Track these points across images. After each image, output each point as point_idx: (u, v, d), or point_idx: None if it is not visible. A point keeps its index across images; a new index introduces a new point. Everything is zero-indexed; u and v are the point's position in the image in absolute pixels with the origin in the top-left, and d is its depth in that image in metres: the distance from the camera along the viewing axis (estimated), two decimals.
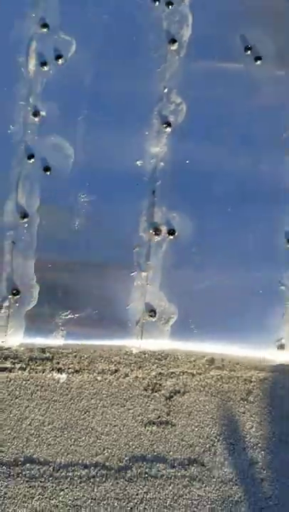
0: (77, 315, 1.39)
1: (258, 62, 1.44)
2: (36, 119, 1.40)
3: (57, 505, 1.69)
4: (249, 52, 1.44)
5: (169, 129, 1.43)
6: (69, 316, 1.40)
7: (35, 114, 1.40)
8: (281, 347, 1.48)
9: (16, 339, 1.37)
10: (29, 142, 1.39)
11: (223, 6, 1.45)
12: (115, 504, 1.70)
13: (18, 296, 1.36)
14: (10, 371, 1.79)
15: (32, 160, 1.39)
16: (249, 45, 1.44)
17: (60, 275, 1.40)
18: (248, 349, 1.47)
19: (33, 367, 1.79)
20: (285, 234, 1.46)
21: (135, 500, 1.74)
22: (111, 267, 1.41)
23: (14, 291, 1.36)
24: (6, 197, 1.40)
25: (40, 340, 1.40)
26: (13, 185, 1.40)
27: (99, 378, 1.78)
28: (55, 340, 1.40)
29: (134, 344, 1.45)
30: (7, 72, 1.38)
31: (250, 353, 1.49)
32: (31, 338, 1.39)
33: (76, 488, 1.70)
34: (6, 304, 1.37)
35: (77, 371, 1.78)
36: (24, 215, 1.37)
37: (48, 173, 1.39)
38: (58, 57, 1.40)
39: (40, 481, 1.71)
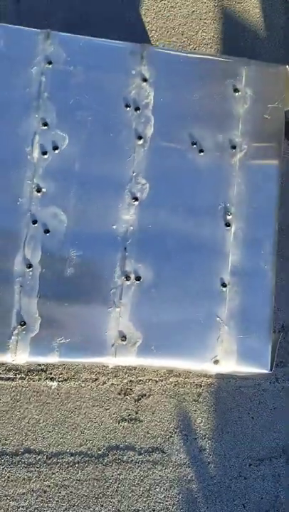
0: (68, 340, 1.66)
1: (201, 153, 1.80)
2: (39, 194, 1.70)
3: (49, 486, 1.96)
4: (195, 146, 1.79)
5: (136, 202, 1.75)
6: (62, 340, 1.66)
7: (38, 190, 1.69)
8: (216, 362, 1.75)
9: (22, 358, 1.65)
10: (33, 211, 1.69)
11: (176, 110, 1.80)
12: (95, 484, 1.99)
13: (24, 326, 1.65)
14: (12, 380, 2.00)
15: (36, 224, 1.68)
16: (195, 140, 1.80)
17: (56, 311, 1.67)
18: (192, 363, 1.74)
19: (30, 376, 2.00)
20: (220, 280, 1.77)
21: (110, 481, 2.01)
22: (94, 304, 1.69)
23: (22, 323, 1.65)
24: (16, 252, 1.66)
25: (41, 359, 1.66)
26: (21, 243, 1.67)
27: (83, 385, 2.03)
28: (52, 359, 1.66)
29: (110, 361, 1.70)
30: (17, 159, 1.69)
31: (193, 367, 1.76)
32: (34, 357, 1.66)
33: (64, 471, 1.98)
34: (16, 332, 1.64)
35: (65, 379, 2.03)
36: (29, 266, 1.67)
37: (48, 234, 1.69)
38: (55, 148, 1.71)
39: (36, 467, 1.97)
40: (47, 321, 1.68)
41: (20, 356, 1.67)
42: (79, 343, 1.69)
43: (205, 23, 2.27)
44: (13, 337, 1.66)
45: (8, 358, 1.66)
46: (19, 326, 1.67)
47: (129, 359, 1.72)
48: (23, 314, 1.67)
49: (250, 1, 2.30)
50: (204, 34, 2.27)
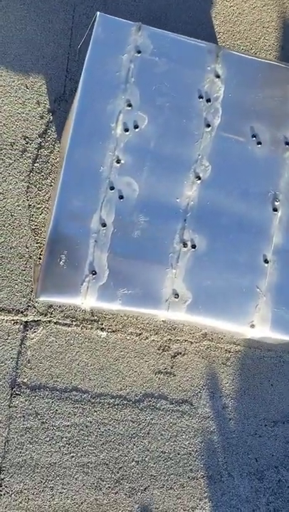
0: (130, 291, 1.91)
1: (259, 145, 2.04)
2: (118, 164, 1.94)
3: (91, 422, 2.19)
4: (254, 138, 2.04)
5: (199, 181, 1.99)
6: (125, 291, 1.90)
7: (118, 161, 1.94)
8: (252, 326, 2.00)
9: (90, 302, 1.90)
10: (112, 179, 1.93)
11: (241, 106, 2.05)
12: (130, 425, 2.23)
13: (95, 275, 1.89)
14: (68, 326, 2.21)
15: (112, 190, 1.93)
16: (254, 133, 2.04)
17: (122, 265, 1.91)
18: (232, 325, 2.00)
19: (84, 325, 2.22)
20: (262, 256, 2.01)
21: (143, 424, 2.25)
22: (154, 263, 1.94)
23: (93, 272, 1.89)
24: (94, 212, 1.91)
25: (105, 305, 1.91)
26: (99, 205, 1.91)
27: (128, 338, 2.27)
28: (115, 306, 1.90)
29: (163, 314, 1.95)
30: (103, 132, 1.94)
31: (232, 328, 2.02)
32: (100, 303, 1.90)
33: (105, 410, 2.21)
34: (87, 279, 1.89)
35: (113, 331, 2.26)
36: (104, 225, 1.91)
37: (122, 200, 1.93)
38: (136, 126, 1.96)
39: (81, 404, 2.19)
40: (114, 273, 1.93)
41: (89, 300, 1.92)
42: (139, 295, 1.94)
43: (267, 30, 2.53)
44: (84, 283, 1.91)
45: (78, 301, 1.93)
46: (90, 275, 1.92)
47: (179, 314, 1.98)
48: (95, 265, 1.93)
49: None
50: (266, 41, 2.53)
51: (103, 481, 2.19)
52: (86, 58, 1.96)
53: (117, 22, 2.01)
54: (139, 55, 2.02)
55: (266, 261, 2.05)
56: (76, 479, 2.16)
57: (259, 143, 2.08)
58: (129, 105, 1.99)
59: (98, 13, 1.99)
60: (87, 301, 1.93)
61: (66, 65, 2.37)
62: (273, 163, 2.09)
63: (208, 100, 2.05)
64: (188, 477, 2.30)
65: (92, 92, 1.98)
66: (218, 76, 2.08)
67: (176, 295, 1.98)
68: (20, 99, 2.31)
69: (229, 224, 2.04)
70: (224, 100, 2.07)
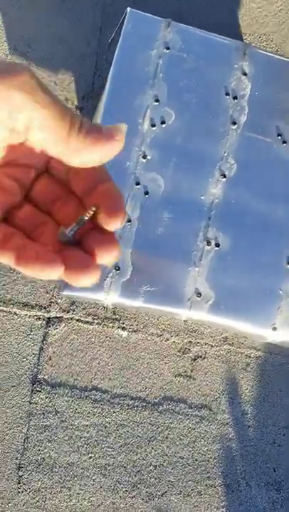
0: (152, 288, 1.87)
1: (284, 144, 2.03)
2: (144, 160, 1.92)
3: (109, 422, 2.16)
4: (279, 137, 2.02)
5: (224, 179, 1.97)
6: (148, 288, 1.87)
7: (144, 157, 1.92)
8: (274, 329, 1.96)
9: (113, 299, 1.86)
10: (137, 174, 1.92)
11: (267, 104, 2.04)
12: (149, 428, 2.19)
13: (118, 271, 1.86)
14: (90, 324, 2.20)
15: (138, 186, 1.91)
16: (280, 132, 2.03)
17: (145, 262, 1.89)
18: (253, 327, 1.94)
19: (106, 323, 2.21)
20: (286, 258, 1.98)
21: (162, 427, 2.21)
22: (177, 261, 1.91)
23: (116, 268, 1.86)
24: None
25: (127, 302, 1.87)
26: (125, 201, 2.02)
27: (148, 338, 2.24)
28: (137, 303, 1.86)
29: (185, 313, 1.91)
30: (130, 128, 1.89)
31: (254, 330, 1.95)
32: (123, 299, 1.86)
33: (124, 412, 2.18)
34: (111, 274, 1.86)
35: (134, 331, 2.24)
36: (129, 220, 1.89)
37: (147, 196, 1.91)
38: (162, 122, 1.94)
39: (101, 404, 2.16)
40: (137, 270, 1.90)
41: (112, 296, 1.89)
42: (161, 292, 1.91)
43: None
44: (107, 279, 1.89)
45: (101, 297, 1.90)
46: (114, 270, 1.89)
47: (201, 314, 1.94)
48: (119, 261, 1.90)
49: None
50: None
51: (120, 484, 2.14)
52: (115, 53, 1.96)
53: (147, 18, 2.02)
54: (167, 51, 2.02)
55: None
56: (94, 481, 2.11)
57: (284, 142, 2.06)
58: (157, 100, 1.98)
59: (129, 8, 1.99)
60: (110, 296, 1.90)
61: (95, 62, 2.38)
62: None
63: (235, 97, 2.04)
64: (206, 485, 2.23)
65: (121, 87, 1.97)
66: (245, 74, 2.07)
67: (199, 294, 1.95)
68: None
69: (254, 224, 2.01)
70: (250, 98, 2.06)
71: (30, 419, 2.08)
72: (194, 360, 2.30)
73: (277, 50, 2.49)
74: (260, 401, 2.33)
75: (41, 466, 2.05)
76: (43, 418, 2.08)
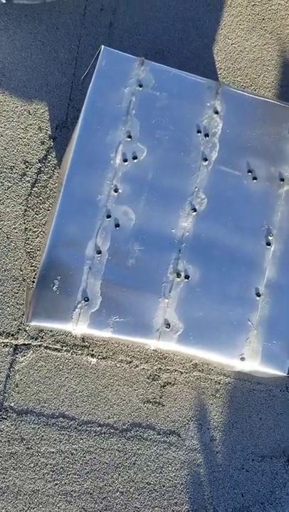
0: (122, 319, 1.91)
1: (254, 180, 2.08)
2: (115, 193, 1.97)
3: (76, 449, 2.18)
4: (250, 173, 2.08)
5: (194, 213, 2.02)
6: (117, 319, 1.91)
7: (115, 190, 1.97)
8: (242, 359, 2.00)
9: (82, 329, 1.90)
10: (109, 207, 1.96)
11: (238, 142, 2.09)
12: (116, 454, 2.21)
13: (87, 302, 1.90)
14: (59, 351, 2.21)
15: (109, 219, 1.95)
16: (250, 169, 2.08)
17: (115, 293, 1.93)
18: (222, 357, 2.00)
19: (74, 350, 2.22)
20: (255, 289, 2.02)
21: (130, 453, 2.23)
22: (147, 292, 1.95)
23: (86, 299, 1.90)
24: (90, 239, 1.93)
25: (96, 332, 1.91)
26: (95, 233, 1.94)
27: (118, 365, 2.26)
28: (106, 334, 1.91)
29: (154, 343, 1.96)
30: (102, 162, 1.98)
31: (223, 360, 2.01)
32: (91, 330, 1.90)
33: (91, 438, 2.19)
34: (80, 305, 1.89)
35: (104, 358, 2.25)
36: (99, 252, 1.93)
37: (118, 228, 1.95)
38: (134, 157, 1.99)
39: (68, 431, 2.18)
40: (106, 301, 1.94)
41: (80, 327, 1.93)
42: (130, 323, 1.95)
43: (267, 68, 2.61)
44: (76, 309, 1.92)
45: (69, 327, 1.93)
46: (83, 301, 1.93)
47: (170, 344, 1.98)
48: (88, 292, 1.94)
49: None
50: (265, 78, 2.61)
51: (86, 511, 2.15)
52: (89, 89, 2.01)
53: (121, 56, 2.08)
54: (140, 88, 2.08)
55: (258, 294, 2.07)
56: (59, 508, 2.12)
57: (255, 178, 2.12)
58: (129, 136, 2.04)
59: (103, 46, 2.05)
60: (78, 327, 1.94)
61: (69, 93, 2.42)
62: (268, 198, 2.12)
63: (207, 135, 2.10)
64: (173, 510, 2.26)
65: (93, 121, 2.02)
66: (216, 112, 2.13)
67: (168, 325, 1.99)
68: (23, 124, 2.36)
69: (223, 256, 2.06)
70: (222, 136, 2.12)
71: None
72: (163, 386, 2.33)
73: (251, 84, 2.58)
74: (229, 427, 2.37)
75: (5, 494, 2.06)
76: (9, 446, 2.09)
